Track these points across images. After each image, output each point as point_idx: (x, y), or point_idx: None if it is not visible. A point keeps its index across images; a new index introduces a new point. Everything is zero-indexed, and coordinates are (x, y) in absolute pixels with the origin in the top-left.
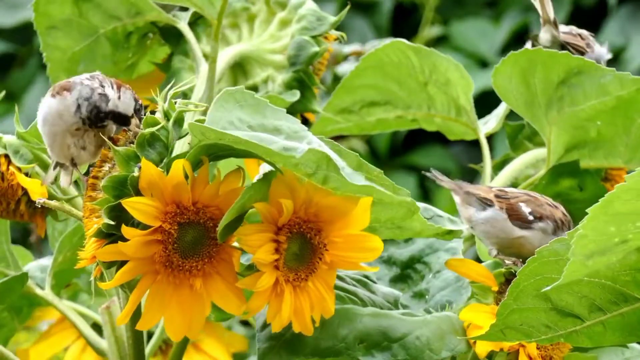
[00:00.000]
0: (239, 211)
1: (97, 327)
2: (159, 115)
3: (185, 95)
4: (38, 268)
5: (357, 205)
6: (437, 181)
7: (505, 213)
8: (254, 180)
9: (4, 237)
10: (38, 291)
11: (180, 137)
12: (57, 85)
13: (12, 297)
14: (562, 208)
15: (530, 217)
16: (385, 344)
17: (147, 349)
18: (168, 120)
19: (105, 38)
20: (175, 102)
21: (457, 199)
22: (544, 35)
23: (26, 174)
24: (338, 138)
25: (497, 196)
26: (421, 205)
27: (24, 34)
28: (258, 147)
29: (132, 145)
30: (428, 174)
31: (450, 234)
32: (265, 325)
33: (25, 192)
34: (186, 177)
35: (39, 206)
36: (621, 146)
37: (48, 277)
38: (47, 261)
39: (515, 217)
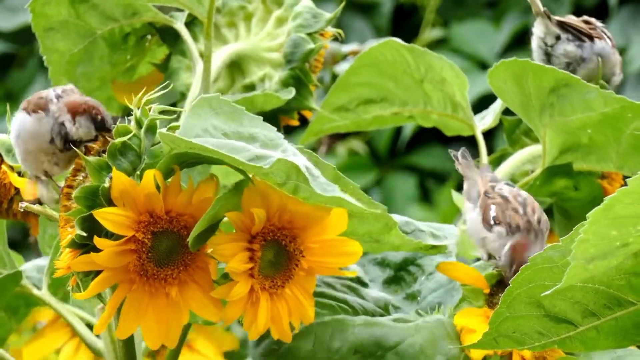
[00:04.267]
0: (210, 221)
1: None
2: (132, 124)
3: (183, 95)
4: (34, 268)
5: (333, 211)
6: (456, 164)
7: (481, 214)
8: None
9: (0, 237)
10: (35, 291)
11: (153, 145)
12: (32, 101)
13: (7, 295)
14: (531, 217)
15: (492, 222)
16: (380, 353)
17: (142, 349)
18: (141, 128)
19: (102, 39)
20: (150, 109)
21: (465, 186)
22: (537, 28)
23: (19, 173)
24: (337, 138)
25: (485, 192)
26: (402, 218)
27: (23, 35)
28: (227, 157)
29: (104, 154)
30: (453, 152)
31: (434, 249)
32: (259, 341)
33: (18, 192)
34: (159, 186)
35: (21, 210)
36: (613, 153)
37: (45, 277)
38: (43, 261)
39: (485, 218)
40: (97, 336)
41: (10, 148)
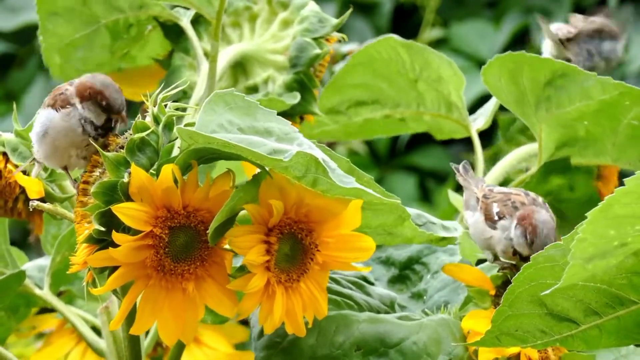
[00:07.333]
0: (228, 213)
1: (95, 332)
2: (149, 120)
3: (185, 93)
4: (36, 268)
5: (349, 206)
6: (457, 176)
7: (483, 215)
8: (244, 182)
9: (2, 236)
10: (37, 291)
11: (170, 141)
12: (57, 97)
13: (9, 295)
14: (536, 198)
15: (496, 217)
16: (382, 350)
17: (144, 346)
18: (158, 124)
19: (106, 29)
20: (166, 106)
21: (465, 196)
22: (567, 26)
23: (24, 172)
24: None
25: (484, 196)
26: (414, 211)
27: (24, 35)
28: (246, 151)
29: (122, 150)
30: (454, 165)
31: (444, 241)
32: (261, 334)
33: (23, 191)
34: (176, 181)
35: (32, 209)
36: (609, 145)
37: (46, 277)
38: (44, 261)
39: (488, 217)
40: (100, 336)
41: (16, 147)
